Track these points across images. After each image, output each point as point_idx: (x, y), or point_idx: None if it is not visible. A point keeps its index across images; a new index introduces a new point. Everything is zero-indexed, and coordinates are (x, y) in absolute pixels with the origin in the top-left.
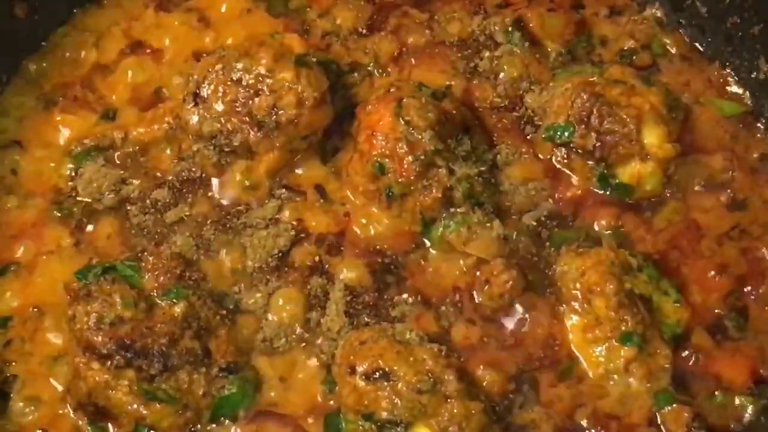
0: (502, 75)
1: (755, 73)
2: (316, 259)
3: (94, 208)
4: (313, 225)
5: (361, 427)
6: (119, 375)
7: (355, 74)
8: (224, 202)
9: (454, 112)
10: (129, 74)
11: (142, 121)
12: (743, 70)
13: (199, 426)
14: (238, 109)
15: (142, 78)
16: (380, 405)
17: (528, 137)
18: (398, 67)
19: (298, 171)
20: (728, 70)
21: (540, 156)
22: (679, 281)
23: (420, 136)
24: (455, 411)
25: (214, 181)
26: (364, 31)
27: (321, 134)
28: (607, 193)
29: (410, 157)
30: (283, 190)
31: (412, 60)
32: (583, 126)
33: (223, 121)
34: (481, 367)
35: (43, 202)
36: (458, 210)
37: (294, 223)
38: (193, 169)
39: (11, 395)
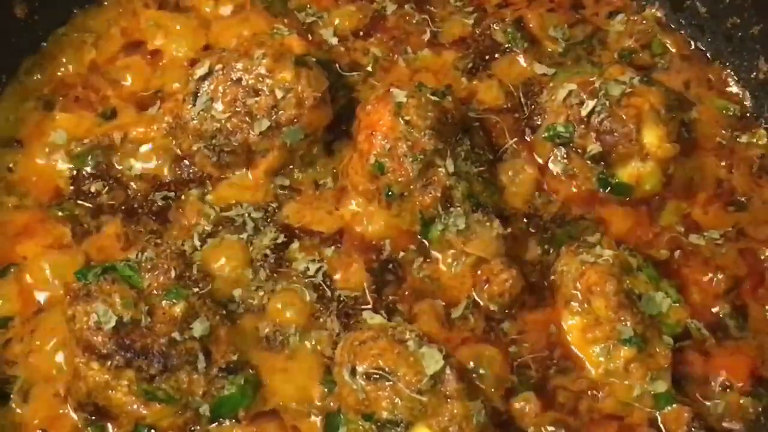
0: (501, 75)
1: (755, 73)
2: (316, 258)
3: (94, 208)
4: (312, 224)
5: (361, 427)
6: (119, 375)
7: (355, 74)
8: (224, 202)
9: (454, 111)
10: (128, 74)
11: (141, 121)
12: (743, 70)
13: (198, 426)
14: (237, 109)
15: (141, 78)
16: (380, 405)
17: (527, 137)
18: (398, 67)
19: (298, 170)
20: (728, 70)
21: (539, 156)
22: (679, 281)
23: (419, 136)
24: (455, 411)
25: (214, 182)
26: (361, 30)
27: (321, 134)
28: (607, 192)
29: (410, 157)
30: (283, 189)
31: (412, 60)
32: (583, 126)
33: (223, 121)
34: (482, 367)
35: (44, 202)
36: (458, 209)
37: (294, 222)
38: (193, 169)
39: (11, 395)
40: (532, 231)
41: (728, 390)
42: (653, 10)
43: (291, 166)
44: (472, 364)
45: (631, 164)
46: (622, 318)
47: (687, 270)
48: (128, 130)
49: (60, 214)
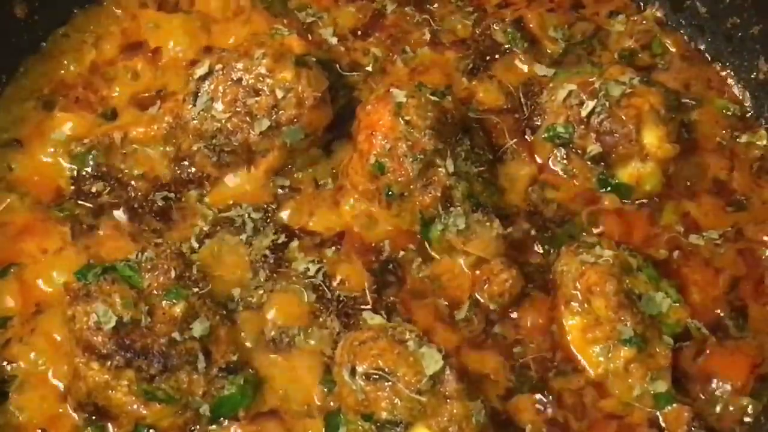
0: (501, 75)
1: (755, 74)
2: (316, 258)
3: (95, 208)
4: (312, 225)
5: (360, 428)
6: (119, 375)
7: (355, 74)
8: (224, 202)
9: (454, 111)
10: (129, 74)
11: (142, 121)
12: (743, 70)
13: (198, 426)
14: (238, 109)
15: (141, 78)
16: (380, 405)
17: (527, 137)
18: (397, 67)
19: (298, 170)
20: (728, 70)
21: (539, 156)
22: (679, 281)
23: (419, 136)
24: (455, 411)
25: (214, 182)
26: (361, 30)
27: (321, 134)
28: (607, 193)
29: (410, 157)
30: (283, 189)
31: (412, 60)
32: (583, 126)
33: (223, 121)
34: (481, 367)
35: (44, 202)
36: (458, 209)
37: (293, 223)
38: (193, 169)
39: (10, 395)
40: (532, 231)
41: (728, 390)
42: (653, 10)
43: (291, 166)
44: (472, 364)
45: (631, 165)
46: (622, 318)
47: (687, 270)
48: (128, 130)
49: (60, 214)
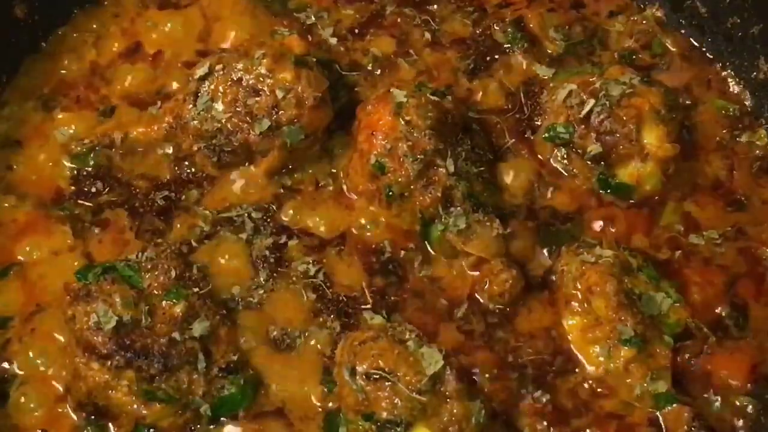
0: (501, 75)
1: (755, 73)
2: (316, 259)
3: (95, 208)
4: (312, 225)
5: (361, 427)
6: (119, 375)
7: (355, 74)
8: (224, 202)
9: (454, 111)
10: (129, 74)
11: (142, 121)
12: (743, 70)
13: (198, 426)
14: (238, 109)
15: (142, 78)
16: (380, 405)
17: (528, 137)
18: (398, 67)
19: (298, 171)
20: (728, 70)
21: (540, 156)
22: (679, 281)
23: (420, 136)
24: (455, 411)
25: (214, 181)
26: (361, 30)
27: (321, 134)
28: (607, 193)
29: (410, 157)
30: (283, 189)
31: (412, 60)
32: (583, 126)
33: (223, 121)
34: (481, 366)
35: (44, 202)
36: (458, 209)
37: (293, 223)
38: (193, 170)
39: (10, 395)
40: (533, 230)
41: (728, 389)
42: (653, 10)
43: (291, 166)
44: (472, 364)
45: (631, 164)
46: (623, 318)
47: (687, 270)
48: (128, 130)
49: (61, 213)
